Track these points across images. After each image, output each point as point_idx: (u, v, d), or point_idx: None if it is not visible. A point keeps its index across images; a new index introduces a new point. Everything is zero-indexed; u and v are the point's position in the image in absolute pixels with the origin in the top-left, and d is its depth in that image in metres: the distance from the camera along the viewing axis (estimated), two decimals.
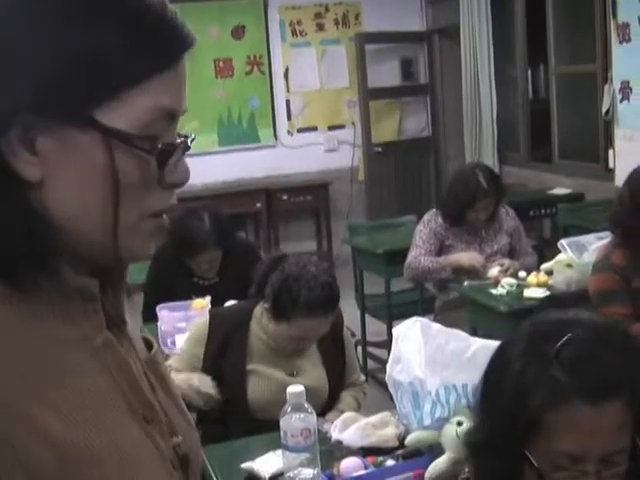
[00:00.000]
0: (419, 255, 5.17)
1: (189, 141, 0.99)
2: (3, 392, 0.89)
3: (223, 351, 3.24)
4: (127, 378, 1.03)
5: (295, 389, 2.54)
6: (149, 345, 1.17)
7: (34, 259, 0.92)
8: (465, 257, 5.10)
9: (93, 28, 0.88)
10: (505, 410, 1.61)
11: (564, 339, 1.58)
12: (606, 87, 6.92)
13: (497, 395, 1.64)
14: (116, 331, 1.05)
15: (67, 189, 0.92)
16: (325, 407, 3.26)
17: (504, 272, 4.87)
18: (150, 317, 4.57)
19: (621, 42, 6.64)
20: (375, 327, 6.26)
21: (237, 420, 3.24)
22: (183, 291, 4.51)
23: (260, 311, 3.26)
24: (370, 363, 6.28)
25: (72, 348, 0.97)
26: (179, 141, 0.97)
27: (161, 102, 0.93)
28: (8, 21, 0.88)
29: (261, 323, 3.25)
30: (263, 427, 3.02)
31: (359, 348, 5.99)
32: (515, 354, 1.63)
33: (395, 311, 5.90)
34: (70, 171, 0.92)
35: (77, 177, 0.92)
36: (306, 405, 2.52)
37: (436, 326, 2.79)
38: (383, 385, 5.65)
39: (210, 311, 3.43)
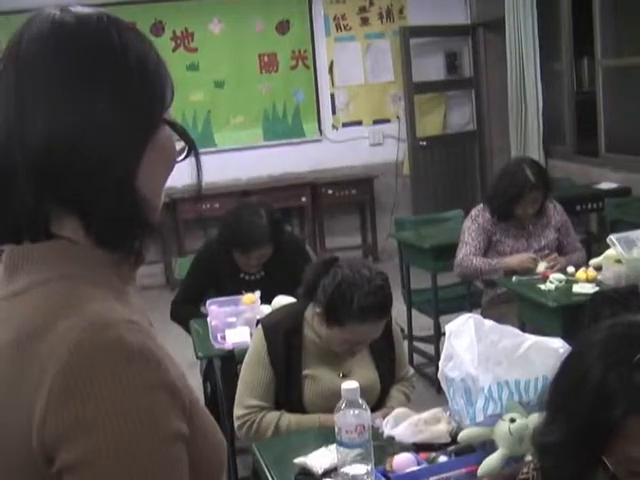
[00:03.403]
0: (470, 254, 5.15)
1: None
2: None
3: (285, 360, 3.22)
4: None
5: (350, 385, 2.54)
6: None
7: (137, 230, 1.21)
8: (516, 260, 5.04)
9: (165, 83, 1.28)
10: (584, 415, 1.59)
11: None
12: None
13: (574, 399, 1.62)
14: None
15: (149, 172, 1.21)
16: (377, 404, 3.25)
17: (552, 267, 4.86)
18: (177, 310, 4.77)
19: None
20: (421, 322, 6.26)
21: None
22: (230, 286, 4.53)
23: (311, 314, 3.23)
24: (416, 358, 6.29)
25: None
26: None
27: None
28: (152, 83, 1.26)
29: (313, 327, 3.22)
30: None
31: (405, 343, 5.99)
32: (593, 358, 1.61)
33: (442, 306, 5.92)
34: (153, 158, 1.21)
35: (155, 161, 1.22)
36: (360, 401, 2.52)
37: (489, 323, 2.79)
38: (429, 380, 5.71)
39: (262, 323, 3.36)
